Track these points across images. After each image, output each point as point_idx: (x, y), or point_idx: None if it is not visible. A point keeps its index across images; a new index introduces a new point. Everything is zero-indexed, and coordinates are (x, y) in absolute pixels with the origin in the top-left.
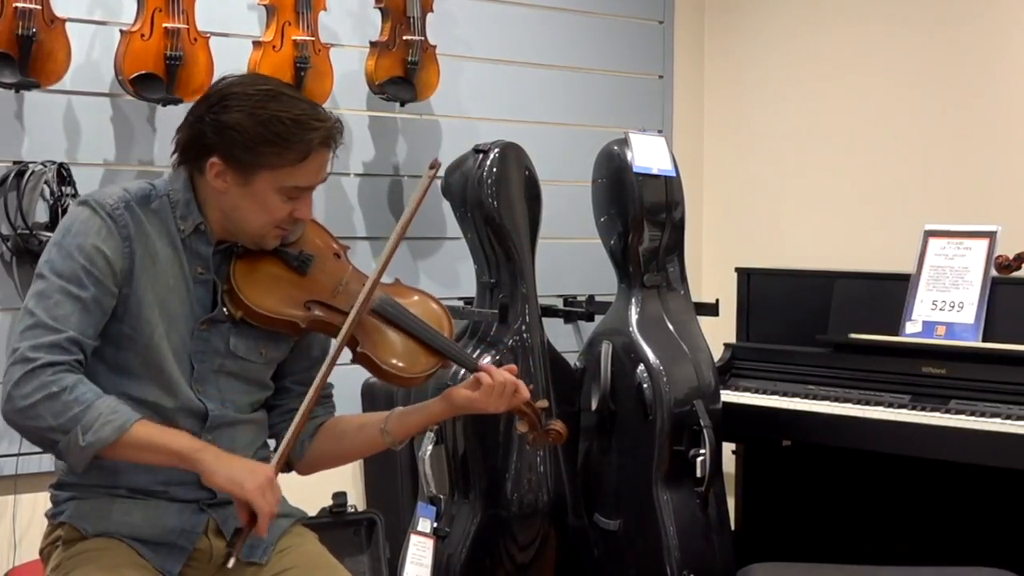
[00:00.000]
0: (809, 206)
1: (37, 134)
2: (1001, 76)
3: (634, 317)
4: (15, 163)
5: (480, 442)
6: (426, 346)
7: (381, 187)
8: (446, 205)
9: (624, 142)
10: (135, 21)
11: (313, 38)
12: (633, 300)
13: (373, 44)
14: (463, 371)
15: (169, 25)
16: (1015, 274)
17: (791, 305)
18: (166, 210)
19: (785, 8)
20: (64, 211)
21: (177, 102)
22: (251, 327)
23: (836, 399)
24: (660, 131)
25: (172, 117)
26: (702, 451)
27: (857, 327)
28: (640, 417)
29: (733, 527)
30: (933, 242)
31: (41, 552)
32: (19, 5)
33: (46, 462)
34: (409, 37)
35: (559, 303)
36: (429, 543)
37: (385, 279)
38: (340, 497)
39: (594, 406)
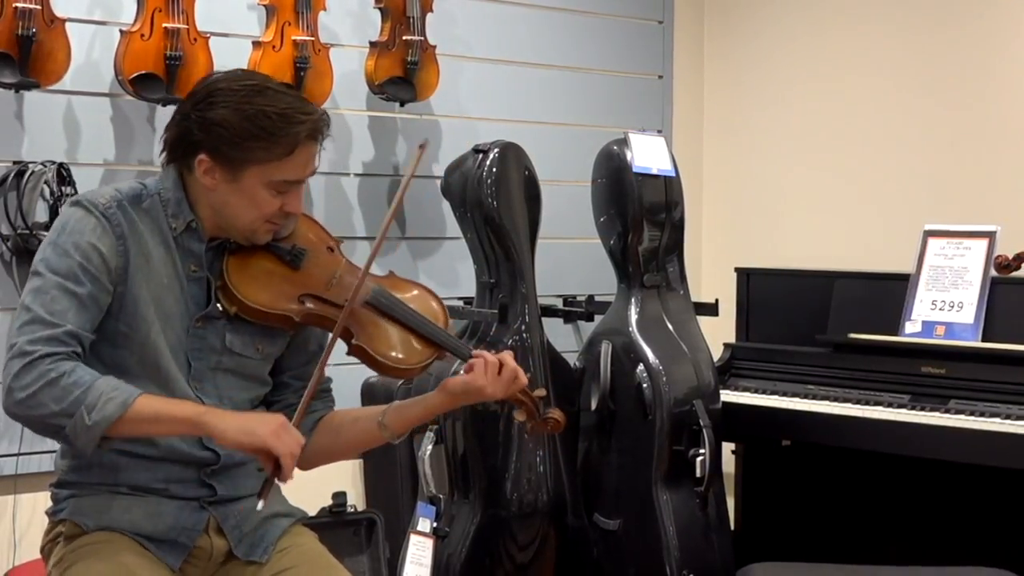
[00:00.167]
0: (809, 206)
1: (37, 134)
2: (1001, 76)
3: (634, 317)
4: (15, 163)
5: (480, 442)
6: (421, 337)
7: (381, 187)
8: (446, 205)
9: (624, 142)
10: (135, 21)
11: (313, 38)
12: (633, 300)
13: (373, 44)
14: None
15: (169, 25)
16: (1014, 274)
17: (791, 305)
18: (157, 209)
19: (785, 8)
20: None
21: (177, 102)
22: (246, 323)
23: (836, 399)
24: (660, 131)
25: None
26: (702, 451)
27: (857, 327)
28: (640, 417)
29: (733, 527)
30: (933, 242)
31: (42, 550)
32: (19, 5)
33: (46, 462)
34: (409, 37)
35: (559, 303)
36: (429, 543)
37: (380, 272)
38: (340, 497)
39: (594, 406)
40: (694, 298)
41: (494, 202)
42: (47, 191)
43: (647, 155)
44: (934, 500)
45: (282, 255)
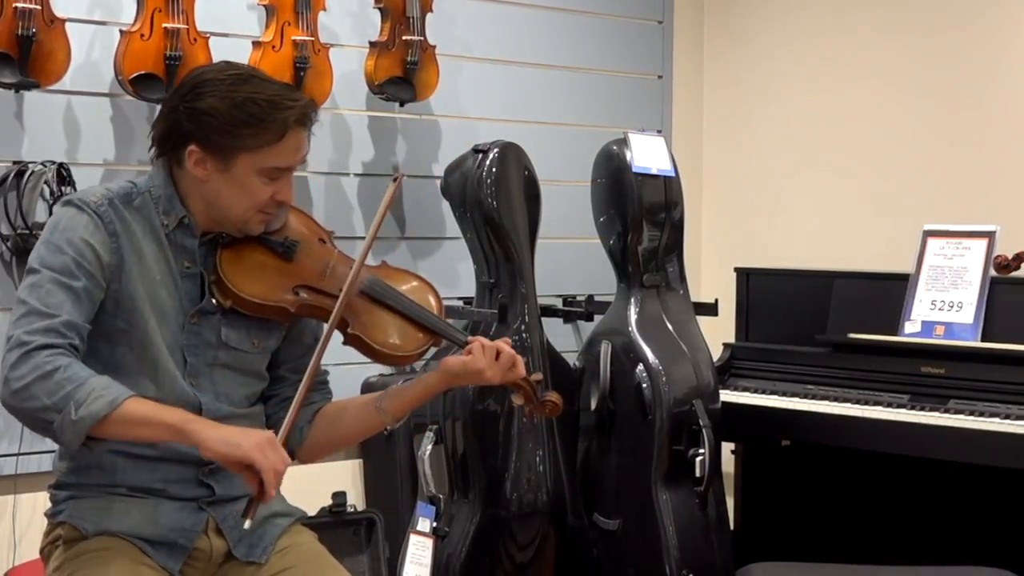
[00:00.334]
0: (808, 206)
1: (37, 134)
2: (1000, 76)
3: (633, 317)
4: (15, 163)
5: (479, 442)
6: (416, 324)
7: (381, 187)
8: (445, 205)
9: (623, 142)
10: (135, 21)
11: (313, 38)
12: (632, 300)
13: (372, 44)
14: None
15: (169, 25)
16: (1014, 274)
17: (790, 305)
18: (148, 207)
19: (784, 8)
20: None
21: None
22: (241, 317)
23: (835, 399)
24: (659, 131)
25: None
26: (701, 451)
27: (856, 327)
28: (639, 417)
29: (732, 527)
30: (932, 242)
31: (41, 551)
32: (19, 5)
33: (46, 462)
34: (408, 37)
35: (558, 303)
36: (428, 543)
37: (373, 262)
38: (340, 497)
39: (593, 406)
40: (694, 298)
41: (494, 202)
42: (47, 191)
43: (647, 155)
44: (934, 500)
45: (275, 247)
